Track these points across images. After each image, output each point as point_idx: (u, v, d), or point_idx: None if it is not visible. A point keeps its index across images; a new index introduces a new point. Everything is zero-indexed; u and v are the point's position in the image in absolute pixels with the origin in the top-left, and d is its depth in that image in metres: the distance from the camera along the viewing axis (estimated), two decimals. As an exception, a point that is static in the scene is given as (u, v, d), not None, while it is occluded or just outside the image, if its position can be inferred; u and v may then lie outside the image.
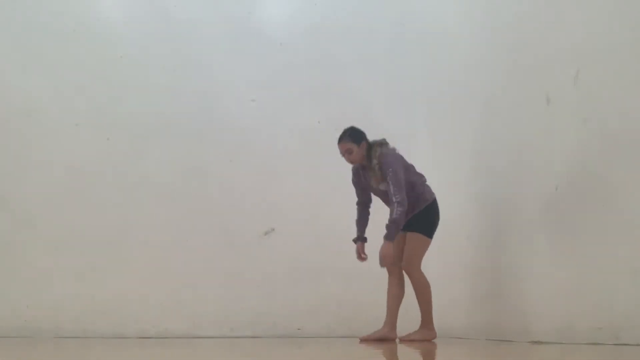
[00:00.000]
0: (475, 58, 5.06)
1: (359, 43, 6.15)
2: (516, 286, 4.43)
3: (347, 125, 6.01)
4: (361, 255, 4.85)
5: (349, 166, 5.95)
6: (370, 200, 4.96)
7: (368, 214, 4.96)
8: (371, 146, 4.79)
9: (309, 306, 5.55)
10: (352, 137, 4.82)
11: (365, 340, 4.72)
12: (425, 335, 4.71)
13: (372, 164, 4.73)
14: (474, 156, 5.07)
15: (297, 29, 6.14)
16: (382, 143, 4.82)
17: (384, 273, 4.83)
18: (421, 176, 4.85)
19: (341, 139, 4.84)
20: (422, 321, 4.76)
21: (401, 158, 4.78)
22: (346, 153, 4.83)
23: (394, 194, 4.59)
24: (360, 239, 4.89)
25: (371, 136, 6.01)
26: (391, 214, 4.60)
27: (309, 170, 5.93)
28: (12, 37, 5.84)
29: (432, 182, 5.35)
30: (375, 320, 4.83)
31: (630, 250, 3.44)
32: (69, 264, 5.58)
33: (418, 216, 4.74)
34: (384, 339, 4.68)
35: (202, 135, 5.91)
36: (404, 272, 4.80)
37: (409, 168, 4.79)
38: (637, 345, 3.30)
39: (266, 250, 5.79)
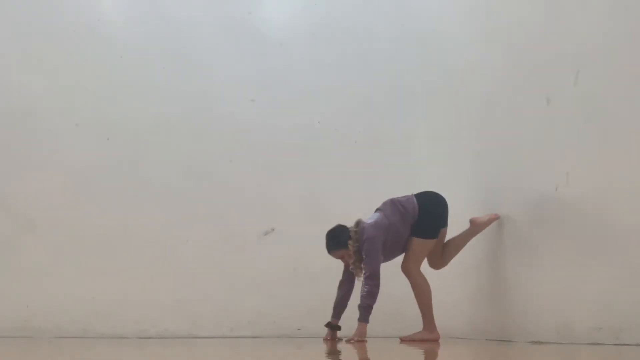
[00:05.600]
0: (475, 58, 5.06)
1: (359, 43, 6.15)
2: (516, 286, 4.43)
3: (347, 124, 6.05)
4: (327, 338, 4.81)
5: (349, 166, 5.97)
6: (353, 280, 4.88)
7: (348, 297, 4.89)
8: (356, 236, 4.70)
9: (309, 306, 5.54)
10: (337, 244, 4.75)
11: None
12: (428, 336, 4.71)
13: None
14: (474, 156, 5.07)
15: (297, 29, 6.15)
16: (359, 227, 4.72)
17: (383, 274, 4.84)
18: (402, 216, 4.73)
19: (329, 249, 4.80)
20: (423, 323, 4.75)
21: (380, 238, 4.65)
22: (341, 259, 4.81)
23: (368, 280, 4.56)
24: (332, 327, 4.84)
25: (371, 136, 6.05)
26: (363, 300, 4.58)
27: (308, 170, 5.93)
28: (12, 37, 5.84)
29: (432, 182, 5.35)
30: (375, 320, 4.82)
31: (630, 250, 3.43)
32: (69, 264, 5.58)
33: (415, 224, 4.74)
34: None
35: (202, 135, 5.91)
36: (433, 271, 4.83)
37: (388, 227, 4.69)
38: (637, 345, 3.30)
39: (266, 250, 5.79)
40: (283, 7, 6.21)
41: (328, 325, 4.88)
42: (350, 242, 4.70)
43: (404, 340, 4.75)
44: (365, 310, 4.59)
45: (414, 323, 4.82)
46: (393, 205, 4.77)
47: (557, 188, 3.99)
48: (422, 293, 4.72)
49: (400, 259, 4.84)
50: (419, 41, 6.02)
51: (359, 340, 4.56)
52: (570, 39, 3.94)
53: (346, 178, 5.91)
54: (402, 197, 4.84)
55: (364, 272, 4.60)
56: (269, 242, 5.82)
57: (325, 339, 4.82)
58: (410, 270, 4.72)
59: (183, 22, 6.05)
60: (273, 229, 5.85)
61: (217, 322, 5.66)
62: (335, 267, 4.95)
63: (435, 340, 4.70)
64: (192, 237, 5.74)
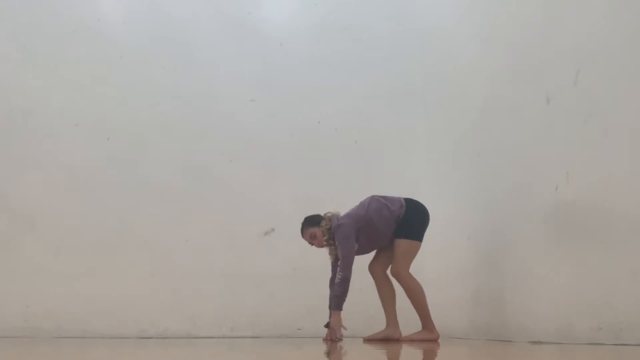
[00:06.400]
0: (475, 58, 5.06)
1: (359, 43, 6.16)
2: (516, 286, 4.43)
3: (347, 124, 6.07)
4: (326, 339, 4.81)
5: (349, 166, 5.97)
6: None
7: None
8: (329, 220, 4.81)
9: (309, 306, 5.54)
10: (310, 223, 4.86)
11: (369, 340, 4.73)
12: (427, 336, 4.70)
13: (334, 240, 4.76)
14: (473, 156, 5.07)
15: (297, 29, 6.15)
16: (333, 215, 4.83)
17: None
18: (381, 208, 4.74)
19: (302, 230, 4.89)
20: (422, 324, 4.75)
21: (352, 225, 4.69)
22: (311, 239, 4.86)
23: (341, 268, 4.62)
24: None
25: (371, 136, 6.06)
26: (335, 287, 4.64)
27: (308, 170, 5.93)
28: (12, 37, 5.84)
29: (431, 182, 5.35)
30: (374, 320, 4.82)
31: (630, 250, 3.43)
32: (69, 264, 5.58)
33: (401, 223, 4.74)
34: (388, 338, 4.69)
35: (202, 135, 5.91)
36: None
37: (363, 217, 4.72)
38: (637, 345, 3.30)
39: (266, 250, 5.79)
40: (283, 6, 6.22)
41: (327, 325, 4.88)
42: (323, 221, 4.79)
43: (404, 339, 4.74)
44: (339, 298, 4.62)
45: (414, 323, 4.81)
46: (372, 200, 4.80)
47: (557, 188, 3.99)
48: (415, 295, 4.70)
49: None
50: (419, 41, 6.02)
51: (334, 337, 4.59)
52: (570, 39, 3.94)
53: (346, 178, 5.91)
54: (390, 196, 4.85)
55: (339, 272, 4.63)
56: (269, 242, 5.82)
57: (325, 339, 4.82)
58: (400, 273, 4.70)
59: (183, 22, 6.05)
60: (273, 229, 5.85)
61: (217, 322, 5.66)
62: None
63: (435, 340, 4.70)
64: (192, 237, 5.74)
